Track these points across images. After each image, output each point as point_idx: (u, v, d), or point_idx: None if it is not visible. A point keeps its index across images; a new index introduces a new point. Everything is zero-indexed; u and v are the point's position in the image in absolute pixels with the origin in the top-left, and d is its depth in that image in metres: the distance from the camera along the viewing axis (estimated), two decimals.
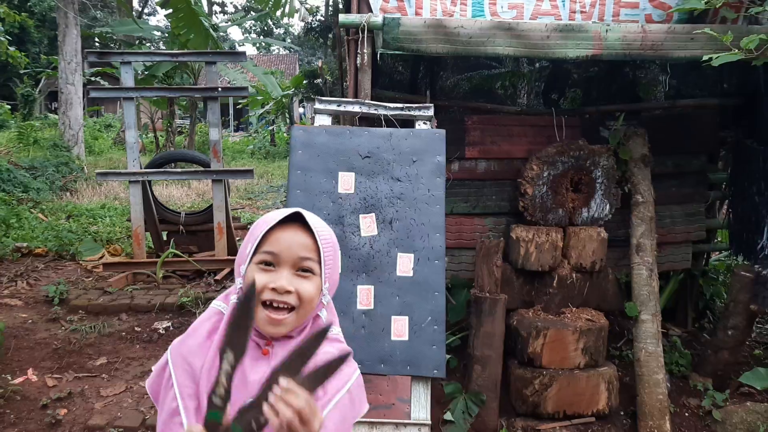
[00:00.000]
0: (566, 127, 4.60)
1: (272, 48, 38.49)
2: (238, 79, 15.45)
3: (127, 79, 5.65)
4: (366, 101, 3.80)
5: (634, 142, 4.51)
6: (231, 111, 30.08)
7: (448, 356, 4.35)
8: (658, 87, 4.92)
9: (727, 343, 4.43)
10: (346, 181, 3.56)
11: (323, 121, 3.80)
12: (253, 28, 40.54)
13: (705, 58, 3.25)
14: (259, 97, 20.08)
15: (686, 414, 4.38)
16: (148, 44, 21.32)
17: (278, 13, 11.24)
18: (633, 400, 4.28)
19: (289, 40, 36.18)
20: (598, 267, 4.35)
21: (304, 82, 20.56)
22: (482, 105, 4.75)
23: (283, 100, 21.34)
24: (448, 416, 4.11)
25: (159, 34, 16.47)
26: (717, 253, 5.94)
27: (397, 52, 4.01)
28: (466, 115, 4.60)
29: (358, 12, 3.98)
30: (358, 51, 3.85)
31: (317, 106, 3.81)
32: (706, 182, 4.92)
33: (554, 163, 4.36)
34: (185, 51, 7.16)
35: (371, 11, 3.96)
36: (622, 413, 4.35)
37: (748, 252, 4.68)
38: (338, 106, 3.81)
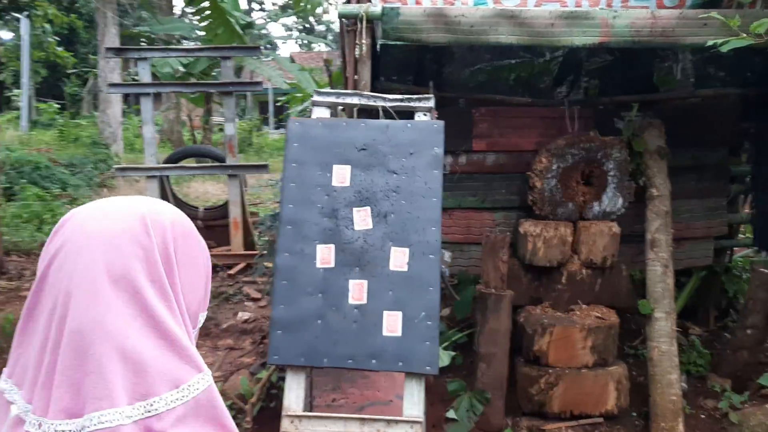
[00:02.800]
0: (579, 118, 4.47)
1: (313, 45, 38.67)
2: (273, 76, 15.53)
3: (144, 75, 5.71)
4: (364, 93, 3.74)
5: (649, 134, 4.35)
6: (271, 108, 30.35)
7: (453, 353, 4.29)
8: (677, 77, 4.73)
9: (746, 343, 4.24)
10: (341, 174, 3.50)
11: (321, 113, 3.75)
12: (295, 25, 40.80)
13: (710, 43, 3.10)
14: (299, 94, 20.19)
15: (702, 416, 4.21)
16: (188, 42, 21.66)
17: (317, 9, 11.24)
18: (647, 400, 4.13)
19: (330, 37, 36.30)
20: (609, 263, 4.21)
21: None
22: (490, 97, 4.64)
23: None
24: (451, 414, 4.04)
25: (201, 33, 16.69)
26: (745, 248, 5.71)
27: (399, 43, 3.94)
28: (473, 107, 4.49)
29: (358, 2, 3.91)
30: (357, 42, 3.79)
31: (315, 98, 3.77)
32: (728, 175, 4.73)
33: (564, 155, 4.23)
34: (201, 47, 7.22)
35: (370, 1, 3.89)
36: (634, 414, 4.21)
37: None
38: (337, 98, 3.76)
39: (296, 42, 36.02)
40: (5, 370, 0.86)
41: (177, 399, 0.81)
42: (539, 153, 4.30)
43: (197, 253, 0.94)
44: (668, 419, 3.97)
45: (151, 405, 0.79)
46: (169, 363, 0.81)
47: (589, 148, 4.22)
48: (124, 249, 0.83)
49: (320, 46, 36.59)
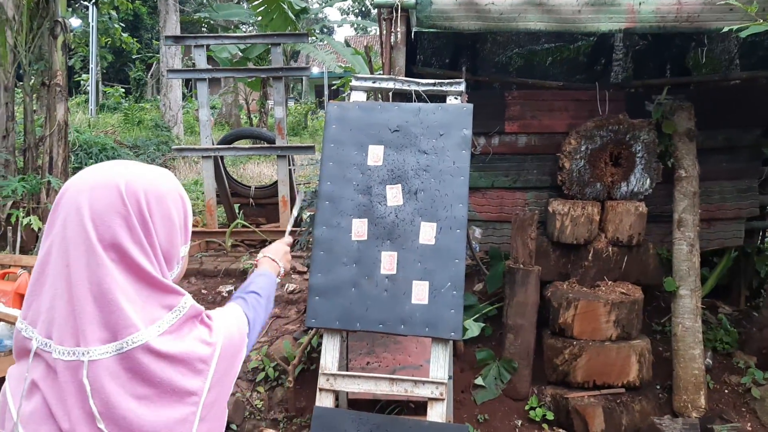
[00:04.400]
0: (610, 101, 4.60)
1: (369, 29, 38.88)
2: (327, 60, 15.86)
3: (200, 61, 6.09)
4: (399, 78, 3.98)
5: (678, 116, 4.45)
6: (326, 92, 30.75)
7: (483, 324, 4.52)
8: (710, 59, 4.79)
9: None
10: (375, 154, 3.76)
11: (358, 97, 4.01)
12: (351, 9, 41.10)
13: (727, 29, 3.22)
14: None
15: (726, 391, 4.34)
16: (246, 28, 22.20)
17: None
18: (672, 374, 4.28)
19: None
20: (635, 241, 4.36)
21: None
22: (523, 80, 4.81)
23: None
24: (479, 381, 4.29)
25: (259, 18, 17.11)
26: None
27: (432, 30, 4.16)
28: (505, 90, 4.68)
29: None
30: (392, 30, 4.03)
31: (353, 83, 4.03)
32: (760, 157, 4.78)
33: (592, 137, 4.39)
34: (252, 34, 7.58)
35: None
36: (658, 386, 4.37)
37: None
38: (373, 82, 4.01)
39: (351, 26, 36.32)
40: (20, 313, 1.15)
41: (174, 317, 1.15)
42: (569, 135, 4.47)
43: (170, 209, 1.19)
44: (690, 392, 4.13)
45: (159, 326, 1.12)
46: (160, 297, 1.14)
47: (617, 130, 4.37)
48: (109, 221, 1.09)
49: (375, 30, 36.75)
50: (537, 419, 4.07)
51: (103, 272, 1.07)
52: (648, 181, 4.41)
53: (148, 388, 1.08)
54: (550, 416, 4.08)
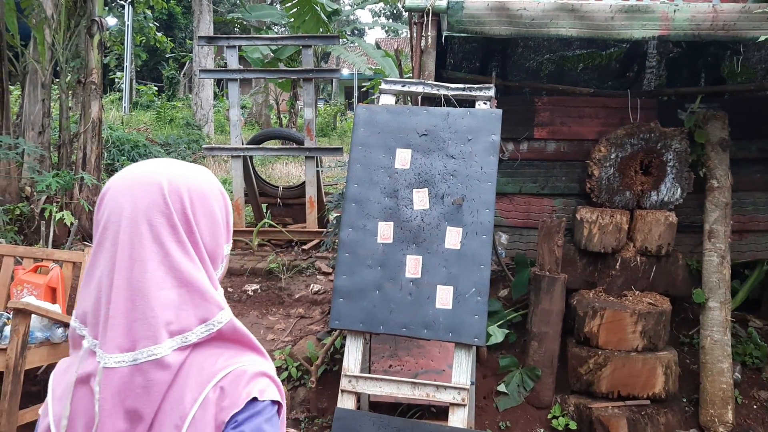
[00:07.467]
0: (642, 109, 4.55)
1: (400, 32, 38.88)
2: (357, 62, 15.91)
3: (232, 62, 6.16)
4: (428, 81, 3.98)
5: (712, 126, 4.38)
6: (356, 93, 30.84)
7: (507, 331, 4.49)
8: (745, 68, 4.71)
9: None
10: (403, 157, 3.76)
11: (387, 100, 4.02)
12: (383, 11, 41.12)
13: (762, 38, 3.17)
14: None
15: (754, 406, 4.26)
16: (279, 29, 22.35)
17: None
18: (699, 387, 4.22)
19: None
20: (664, 251, 4.30)
21: None
22: (554, 86, 4.78)
23: None
24: (501, 388, 4.26)
25: (291, 19, 17.23)
26: None
27: (462, 35, 4.15)
28: (535, 96, 4.65)
29: None
30: (423, 34, 4.03)
31: (383, 86, 4.04)
32: None
33: (623, 144, 4.34)
34: (284, 36, 7.65)
35: None
36: (684, 399, 4.31)
37: None
38: (402, 86, 4.02)
39: (383, 28, 36.34)
40: (74, 312, 1.13)
41: (204, 331, 1.08)
42: (598, 142, 4.43)
43: (213, 207, 1.15)
44: (717, 406, 4.06)
45: (186, 338, 1.05)
46: (196, 306, 1.07)
47: (648, 138, 4.32)
48: (151, 221, 1.06)
49: (406, 33, 36.67)
50: (560, 428, 4.03)
51: (142, 275, 1.04)
52: (679, 190, 4.35)
53: (149, 407, 1.03)
54: (573, 426, 4.04)
